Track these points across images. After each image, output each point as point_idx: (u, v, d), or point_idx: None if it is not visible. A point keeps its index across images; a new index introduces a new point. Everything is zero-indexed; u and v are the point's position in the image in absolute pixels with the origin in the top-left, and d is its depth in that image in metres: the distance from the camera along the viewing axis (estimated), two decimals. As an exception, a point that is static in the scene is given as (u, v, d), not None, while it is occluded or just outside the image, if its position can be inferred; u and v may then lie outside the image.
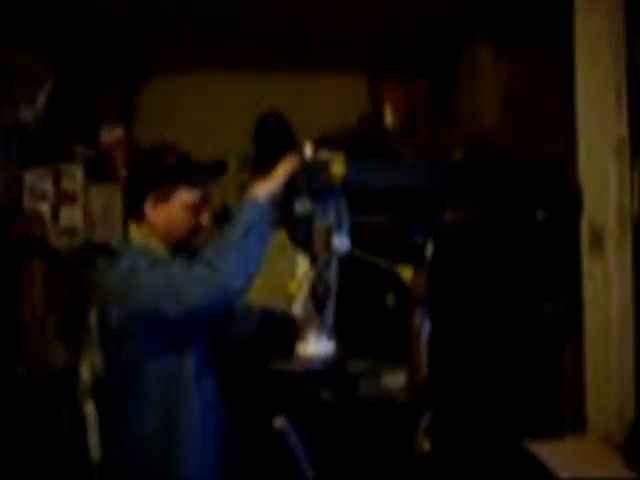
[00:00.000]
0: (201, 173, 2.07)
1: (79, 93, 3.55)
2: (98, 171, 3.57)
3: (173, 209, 2.01)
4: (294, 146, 3.91)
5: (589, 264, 2.47)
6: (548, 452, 2.14)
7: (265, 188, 1.94)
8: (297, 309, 2.43)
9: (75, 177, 3.49)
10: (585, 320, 2.48)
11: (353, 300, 2.41)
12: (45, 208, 3.44)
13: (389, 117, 3.95)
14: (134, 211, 2.04)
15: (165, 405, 1.90)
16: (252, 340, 2.24)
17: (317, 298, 2.04)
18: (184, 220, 2.02)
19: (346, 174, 2.03)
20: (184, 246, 2.07)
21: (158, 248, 2.02)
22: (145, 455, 1.92)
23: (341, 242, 2.06)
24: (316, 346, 2.01)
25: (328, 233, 2.08)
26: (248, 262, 1.86)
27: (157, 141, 2.17)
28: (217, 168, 2.15)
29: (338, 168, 2.04)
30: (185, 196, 2.02)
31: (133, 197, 2.05)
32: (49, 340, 3.33)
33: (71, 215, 3.48)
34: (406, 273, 2.03)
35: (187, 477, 1.91)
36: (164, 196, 2.00)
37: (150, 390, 1.91)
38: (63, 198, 3.47)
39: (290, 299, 2.48)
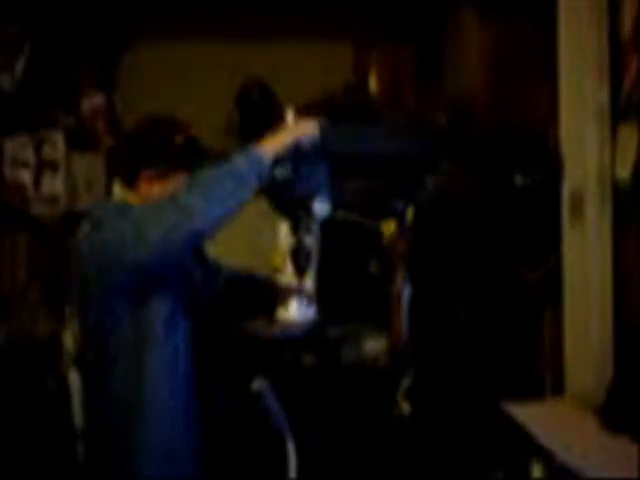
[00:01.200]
0: (204, 160, 2.02)
1: (59, 60, 3.51)
2: (80, 139, 3.54)
3: (168, 188, 1.95)
4: (278, 114, 3.90)
5: (569, 230, 2.48)
6: (525, 414, 2.17)
7: (268, 145, 1.90)
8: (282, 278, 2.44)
9: (57, 145, 3.46)
10: (565, 286, 2.50)
11: (336, 266, 2.42)
12: (26, 176, 3.42)
13: (374, 83, 3.92)
14: (126, 176, 2.01)
15: (136, 369, 1.89)
16: (234, 304, 2.24)
17: (298, 264, 2.05)
18: None
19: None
20: None
21: None
22: (120, 419, 1.92)
23: (321, 208, 2.06)
24: (297, 311, 2.02)
25: (308, 199, 2.08)
26: (215, 205, 1.79)
27: (167, 115, 2.09)
28: (219, 156, 2.10)
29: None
30: (183, 179, 1.97)
31: (129, 164, 2.01)
32: (32, 310, 3.33)
33: (53, 183, 3.46)
34: (389, 227, 2.03)
35: (160, 440, 1.91)
36: (162, 175, 1.97)
37: (122, 354, 1.90)
38: (45, 166, 3.45)
39: (275, 269, 2.48)
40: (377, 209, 2.24)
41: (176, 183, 1.96)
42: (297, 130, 1.95)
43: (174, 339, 1.92)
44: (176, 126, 2.03)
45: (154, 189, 1.97)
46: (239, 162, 1.85)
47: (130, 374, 1.90)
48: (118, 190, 2.03)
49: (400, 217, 2.19)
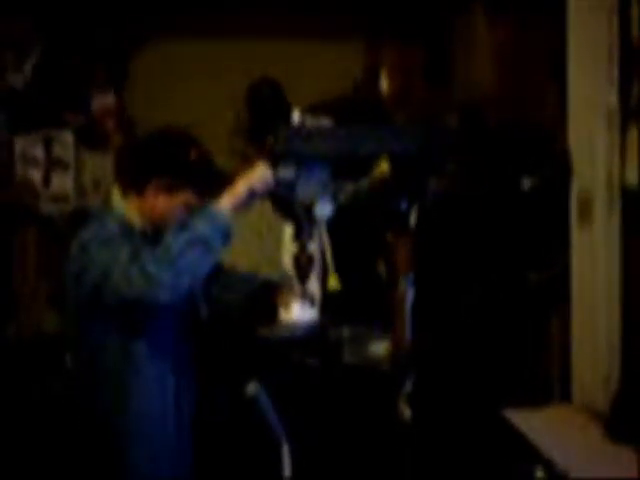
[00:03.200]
0: (212, 179, 2.02)
1: (69, 59, 3.52)
2: (90, 138, 3.55)
3: (172, 204, 1.95)
4: (289, 113, 3.88)
5: (577, 233, 2.45)
6: (528, 421, 2.15)
7: (226, 203, 1.87)
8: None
9: (66, 144, 3.47)
10: (572, 289, 2.47)
11: (342, 268, 2.41)
12: (36, 174, 3.43)
13: (384, 83, 3.91)
14: (134, 183, 1.99)
15: (120, 377, 1.90)
16: (238, 306, 2.23)
17: (300, 270, 2.03)
18: (176, 216, 1.96)
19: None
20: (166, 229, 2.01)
21: (136, 221, 1.98)
22: (107, 420, 1.93)
23: (323, 209, 2.05)
24: (299, 313, 2.01)
25: (311, 199, 2.07)
26: (183, 276, 1.80)
27: (182, 128, 2.07)
28: (229, 178, 2.10)
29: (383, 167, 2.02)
30: (189, 197, 1.97)
31: (142, 171, 1.98)
32: (41, 307, 3.34)
33: (62, 182, 3.47)
34: (383, 167, 2.02)
35: (150, 450, 1.92)
36: (171, 188, 1.95)
37: (106, 361, 1.91)
38: (54, 165, 3.46)
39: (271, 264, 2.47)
40: (380, 212, 2.22)
41: (182, 200, 1.96)
42: (249, 180, 1.90)
43: (163, 350, 1.91)
44: (193, 141, 2.02)
45: (157, 201, 1.96)
46: (202, 228, 1.82)
47: (116, 389, 1.91)
48: (117, 196, 2.02)
49: (404, 218, 2.17)
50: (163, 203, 1.96)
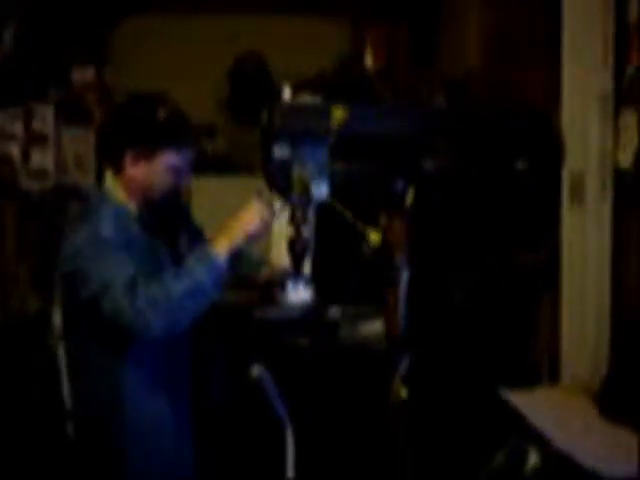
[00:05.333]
0: (190, 134, 1.92)
1: (50, 32, 3.43)
2: (70, 113, 3.47)
3: (154, 169, 1.86)
4: (272, 89, 3.84)
5: (569, 214, 2.46)
6: (522, 401, 2.16)
7: (224, 247, 1.80)
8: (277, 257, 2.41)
9: (46, 118, 3.39)
10: (563, 270, 2.48)
11: (330, 248, 2.39)
12: (15, 150, 3.35)
13: (370, 61, 3.88)
14: (111, 160, 1.91)
15: (113, 374, 1.87)
16: (233, 285, 2.20)
17: (295, 255, 2.01)
18: (164, 182, 1.88)
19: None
20: (159, 205, 1.96)
21: (131, 207, 1.93)
22: (101, 406, 1.91)
23: (320, 190, 2.03)
24: (294, 294, 1.99)
25: (307, 180, 2.04)
26: (177, 323, 1.78)
27: (147, 89, 1.98)
28: (207, 131, 2.03)
29: (338, 115, 1.97)
30: (169, 158, 1.86)
31: (112, 147, 1.90)
32: (21, 287, 3.28)
33: (42, 157, 3.39)
34: (373, 236, 2.00)
35: (149, 432, 1.89)
36: (147, 154, 1.85)
37: (97, 359, 1.89)
38: (34, 140, 3.38)
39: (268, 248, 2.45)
40: (376, 193, 2.21)
41: (162, 163, 1.87)
42: (246, 226, 1.83)
43: (158, 344, 1.87)
44: (158, 100, 1.91)
45: (139, 171, 1.87)
46: (202, 276, 1.77)
47: (106, 379, 1.88)
48: (109, 177, 1.94)
49: (400, 199, 2.16)
50: (145, 171, 1.87)
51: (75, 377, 2.00)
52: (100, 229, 1.83)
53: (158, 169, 1.87)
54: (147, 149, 1.86)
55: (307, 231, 1.98)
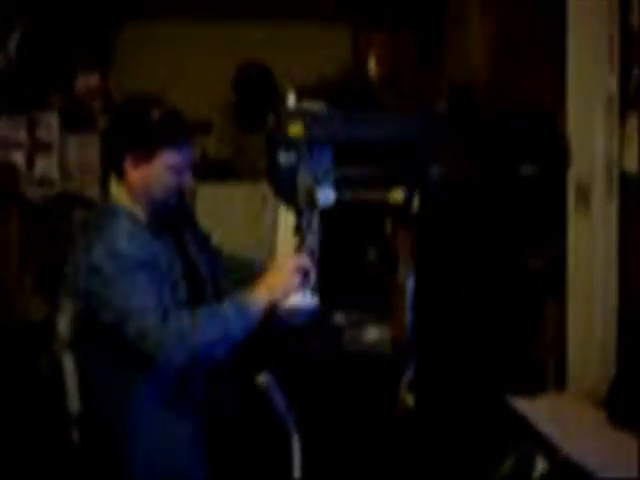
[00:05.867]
0: (187, 132, 1.93)
1: (54, 39, 3.43)
2: (74, 120, 3.47)
3: (155, 170, 1.87)
4: (276, 97, 3.84)
5: (575, 219, 2.45)
6: (530, 407, 2.15)
7: (264, 299, 1.84)
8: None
9: (51, 126, 3.39)
10: (569, 275, 2.47)
11: (335, 253, 2.39)
12: (19, 158, 3.35)
13: (373, 67, 3.88)
14: (114, 167, 1.92)
15: (122, 379, 1.88)
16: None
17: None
18: (166, 182, 1.89)
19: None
20: (164, 207, 1.96)
21: (139, 213, 1.92)
22: (110, 410, 1.90)
23: (325, 195, 2.02)
24: (300, 300, 1.98)
25: (312, 186, 2.04)
26: (197, 359, 1.82)
27: (141, 92, 2.02)
28: (202, 128, 2.04)
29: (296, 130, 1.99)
30: (169, 157, 1.87)
31: (113, 153, 1.92)
32: (26, 294, 3.28)
33: (47, 165, 3.39)
34: (396, 196, 2.00)
35: (157, 437, 1.89)
36: (146, 156, 1.86)
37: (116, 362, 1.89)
38: (38, 147, 3.38)
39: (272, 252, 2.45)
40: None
41: (162, 163, 1.88)
42: (288, 281, 1.86)
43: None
44: (151, 101, 1.92)
45: (140, 174, 1.88)
46: (234, 325, 1.80)
47: (116, 389, 1.89)
48: (113, 183, 1.95)
49: (406, 205, 2.16)
50: (146, 174, 1.88)
51: (84, 385, 2.00)
52: (119, 244, 1.84)
53: (159, 170, 1.88)
54: (145, 151, 1.88)
55: (312, 238, 1.98)
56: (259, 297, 1.84)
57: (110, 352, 1.88)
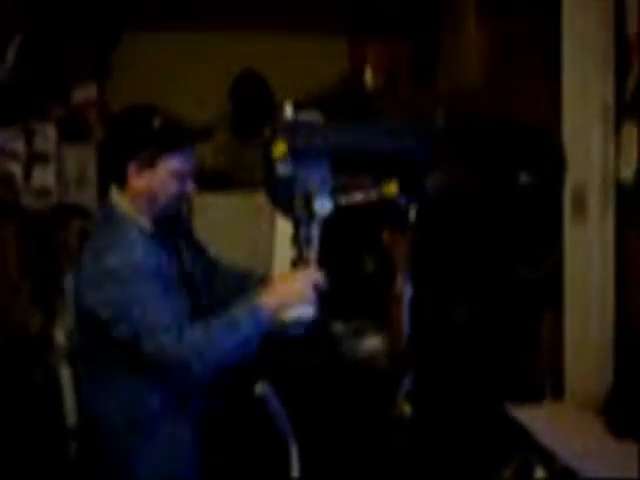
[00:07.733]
0: (188, 138, 1.93)
1: (51, 50, 3.44)
2: (71, 130, 3.48)
3: (158, 177, 1.87)
4: (273, 107, 3.85)
5: (571, 229, 2.46)
6: (528, 416, 2.15)
7: (273, 303, 1.85)
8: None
9: (48, 137, 3.39)
10: (566, 285, 2.48)
11: (333, 264, 2.39)
12: (16, 169, 3.35)
13: (370, 79, 3.89)
14: (115, 176, 1.92)
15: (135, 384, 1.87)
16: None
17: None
18: (169, 188, 1.89)
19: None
20: (165, 215, 1.96)
21: (144, 222, 1.92)
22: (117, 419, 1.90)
23: (323, 205, 2.02)
24: (302, 311, 1.97)
25: (310, 197, 2.04)
26: (214, 367, 1.83)
27: (142, 102, 2.00)
28: (204, 133, 2.04)
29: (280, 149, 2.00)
30: (171, 163, 1.87)
31: (114, 162, 1.91)
32: (23, 305, 3.27)
33: (44, 176, 3.39)
34: (391, 188, 2.00)
35: (158, 450, 1.89)
36: (149, 163, 1.86)
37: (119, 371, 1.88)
38: (35, 158, 3.38)
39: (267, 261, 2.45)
40: (378, 209, 2.21)
41: (165, 169, 1.88)
42: (299, 291, 1.87)
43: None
44: (151, 109, 1.93)
45: (144, 181, 1.88)
46: (249, 330, 1.82)
47: (120, 401, 1.88)
48: (114, 193, 1.94)
49: (403, 215, 2.16)
50: (150, 181, 1.88)
51: (85, 396, 1.99)
52: (134, 252, 1.84)
53: (162, 176, 1.88)
54: (149, 158, 1.88)
55: (310, 248, 1.98)
56: (267, 299, 1.85)
57: (114, 365, 1.87)
